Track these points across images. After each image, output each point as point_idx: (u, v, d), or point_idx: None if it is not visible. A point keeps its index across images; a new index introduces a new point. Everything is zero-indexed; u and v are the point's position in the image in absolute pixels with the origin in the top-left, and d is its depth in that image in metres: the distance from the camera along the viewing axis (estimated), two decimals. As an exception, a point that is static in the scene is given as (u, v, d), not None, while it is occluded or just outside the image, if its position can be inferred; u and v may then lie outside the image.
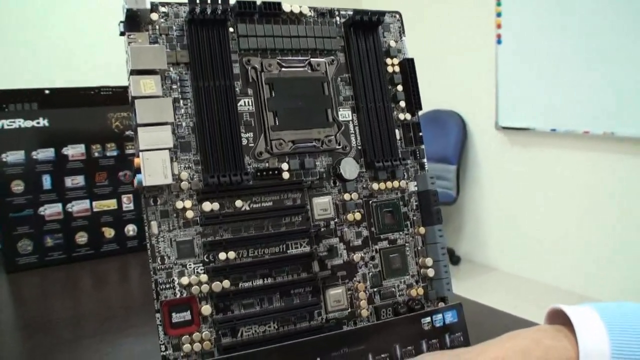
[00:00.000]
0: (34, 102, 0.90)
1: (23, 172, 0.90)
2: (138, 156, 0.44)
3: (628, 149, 2.32)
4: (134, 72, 0.46)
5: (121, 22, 0.47)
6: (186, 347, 0.45)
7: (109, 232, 0.96)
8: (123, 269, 0.94)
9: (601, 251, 2.46)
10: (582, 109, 2.45)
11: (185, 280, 0.46)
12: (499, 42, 2.81)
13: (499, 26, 2.79)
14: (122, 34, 0.47)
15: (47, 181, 0.91)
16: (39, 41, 2.62)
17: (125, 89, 0.93)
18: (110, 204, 0.96)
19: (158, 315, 0.45)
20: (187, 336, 0.45)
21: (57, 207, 0.92)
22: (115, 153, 0.96)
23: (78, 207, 0.94)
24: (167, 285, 0.46)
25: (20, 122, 0.89)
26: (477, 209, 3.13)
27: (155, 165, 0.44)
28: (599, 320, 0.42)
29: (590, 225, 2.50)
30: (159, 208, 0.46)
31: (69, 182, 0.93)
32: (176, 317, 0.46)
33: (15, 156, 0.89)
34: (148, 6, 0.47)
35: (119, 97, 0.95)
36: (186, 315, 0.46)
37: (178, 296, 0.46)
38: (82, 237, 0.94)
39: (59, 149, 0.92)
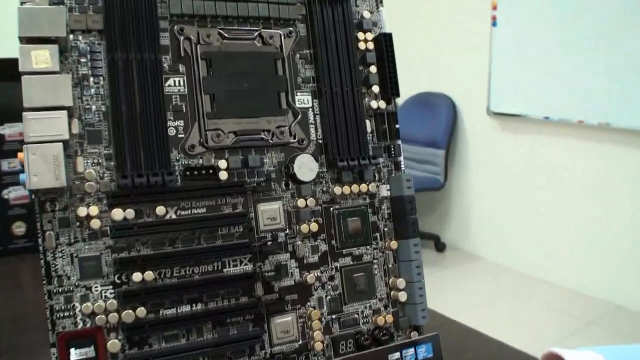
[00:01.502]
0: (-35, 73, 0.79)
1: (-49, 153, 0.80)
2: (22, 150, 0.34)
3: (623, 140, 2.24)
4: (23, 41, 0.35)
5: (15, -26, 0.37)
6: (86, 394, 0.35)
7: (51, 222, 0.86)
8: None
9: (591, 243, 2.39)
10: (578, 98, 2.36)
11: (89, 307, 0.36)
12: (494, 24, 2.70)
13: (494, 7, 2.68)
14: (16, -10, 0.37)
15: (-21, 164, 0.81)
16: None
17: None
18: (52, 190, 0.86)
19: (53, 350, 0.36)
20: (88, 380, 0.36)
21: (-9, 194, 0.82)
22: (58, 133, 0.85)
23: (15, 193, 0.84)
24: (66, 313, 0.36)
25: (-52, 96, 0.78)
26: (465, 196, 3.05)
27: (43, 163, 0.34)
28: None
29: (581, 217, 2.43)
30: (57, 215, 0.36)
31: (6, 165, 0.83)
32: (76, 354, 0.36)
33: (-59, 135, 0.79)
34: (46, -46, 0.36)
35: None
36: (89, 352, 0.36)
37: (80, 327, 0.36)
38: (19, 227, 0.84)
39: (-7, 128, 0.82)
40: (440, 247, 3.09)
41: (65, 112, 0.35)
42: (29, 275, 0.82)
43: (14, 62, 0.79)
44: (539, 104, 2.54)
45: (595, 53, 2.25)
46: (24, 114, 0.34)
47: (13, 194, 0.83)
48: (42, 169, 0.33)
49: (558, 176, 2.51)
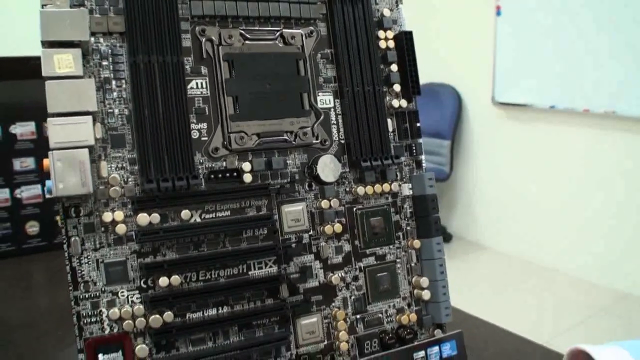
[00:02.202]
0: (-24, 73, 0.79)
1: (-37, 153, 0.79)
2: (48, 156, 0.33)
3: (630, 128, 2.23)
4: (46, 44, 0.35)
5: (35, -23, 0.36)
6: (115, 399, 0.35)
7: (64, 222, 0.86)
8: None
9: (598, 232, 2.39)
10: (583, 87, 2.34)
11: (116, 312, 0.36)
12: (498, 13, 2.68)
13: (499, -4, 2.66)
14: (36, -7, 0.36)
15: (-9, 164, 0.81)
16: None
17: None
18: (65, 189, 0.85)
19: (81, 356, 0.36)
20: (117, 385, 0.36)
21: (4, 193, 0.82)
22: (70, 132, 0.85)
23: (28, 193, 0.83)
24: (93, 319, 0.36)
25: (-42, 96, 0.78)
26: (471, 186, 3.04)
27: (69, 170, 0.33)
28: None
29: (587, 205, 2.42)
30: (82, 221, 0.36)
31: (18, 164, 0.83)
32: (104, 359, 0.36)
33: (-47, 135, 0.79)
34: (67, -42, 0.36)
35: (75, 69, 0.84)
36: (117, 357, 0.36)
37: (107, 332, 0.36)
38: (33, 227, 0.84)
39: (5, 127, 0.81)
40: (446, 237, 3.09)
41: (90, 117, 0.34)
42: (42, 274, 0.82)
43: (25, 60, 0.79)
44: (544, 93, 2.52)
45: (600, 41, 2.23)
46: (49, 119, 0.34)
47: (26, 193, 0.83)
48: (68, 175, 0.33)
49: (564, 165, 2.51)
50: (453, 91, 2.94)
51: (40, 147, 0.83)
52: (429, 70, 2.96)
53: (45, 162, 0.33)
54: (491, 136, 2.87)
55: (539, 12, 2.48)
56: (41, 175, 0.84)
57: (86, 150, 0.34)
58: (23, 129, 0.82)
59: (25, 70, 0.81)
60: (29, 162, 0.83)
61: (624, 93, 2.20)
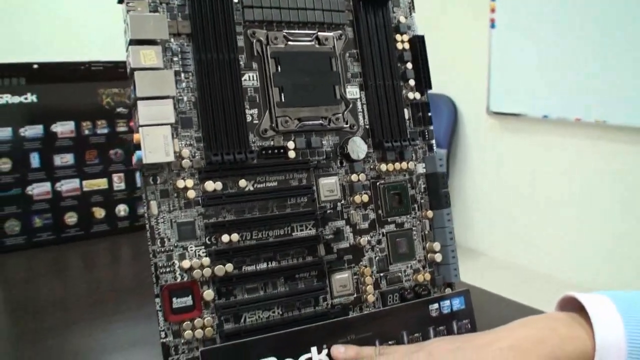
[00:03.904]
0: (22, 77, 0.86)
1: (10, 149, 0.86)
2: (137, 132, 0.41)
3: (620, 138, 2.32)
4: (133, 42, 0.43)
5: (119, -11, 0.44)
6: (187, 333, 0.43)
7: (99, 213, 0.93)
8: (114, 250, 0.92)
9: (590, 239, 2.47)
10: (575, 97, 2.43)
11: (186, 263, 0.44)
12: (492, 26, 2.78)
13: (492, 10, 2.76)
14: (120, 1, 0.44)
15: (35, 159, 0.88)
16: (28, 13, 2.55)
17: (116, 64, 0.91)
18: (101, 183, 0.93)
19: (158, 300, 0.43)
20: (189, 322, 0.43)
21: (45, 186, 0.89)
22: (106, 130, 0.92)
23: (67, 186, 0.91)
24: (168, 269, 0.44)
25: (7, 98, 0.85)
26: (466, 194, 3.12)
27: (156, 142, 0.41)
28: (615, 311, 0.41)
29: (580, 213, 2.50)
30: (158, 187, 0.44)
31: (58, 160, 0.90)
32: (177, 303, 0.43)
33: (2, 133, 0.86)
34: (148, -27, 0.44)
35: (110, 73, 0.92)
36: (187, 301, 0.44)
37: (179, 280, 0.44)
38: (71, 218, 0.91)
39: (47, 126, 0.89)
40: (442, 244, 3.15)
41: (171, 100, 0.42)
42: (78, 261, 0.89)
43: (64, 65, 0.87)
44: (538, 103, 2.61)
45: (592, 52, 2.32)
46: (138, 102, 0.41)
47: (65, 186, 0.90)
48: (155, 146, 0.41)
49: (557, 173, 2.59)
50: (449, 101, 3.03)
51: (78, 143, 0.91)
52: (425, 81, 3.04)
53: (136, 136, 0.41)
54: (486, 145, 2.96)
55: (532, 25, 2.57)
56: (79, 169, 0.91)
57: (168, 126, 0.42)
58: (63, 128, 0.89)
59: (66, 74, 0.89)
60: (68, 158, 0.90)
61: (615, 103, 2.29)
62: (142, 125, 0.41)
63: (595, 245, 2.45)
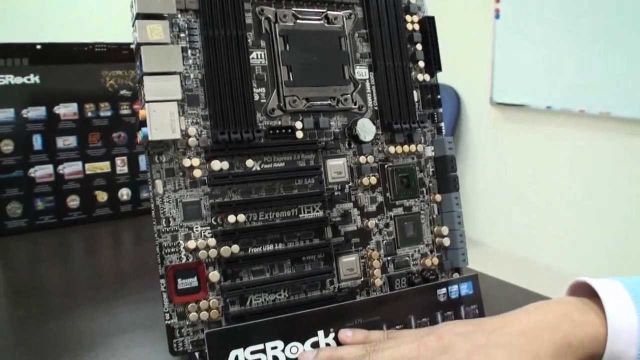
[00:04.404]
0: (25, 57, 0.85)
1: (13, 131, 0.86)
2: (143, 108, 0.40)
3: (623, 129, 2.31)
4: (139, 16, 0.42)
5: (125, -37, 0.43)
6: (192, 315, 0.42)
7: (102, 196, 0.92)
8: (116, 234, 0.91)
9: (593, 230, 2.46)
10: (579, 88, 2.42)
11: (192, 244, 0.43)
12: (497, 16, 2.76)
13: (497, 0, 2.74)
14: (126, -24, 0.43)
15: (37, 141, 0.87)
16: None
17: (120, 46, 0.90)
18: (104, 166, 0.92)
19: (162, 281, 0.42)
20: (194, 304, 0.42)
21: (48, 169, 0.88)
22: (109, 113, 0.91)
23: (70, 169, 0.90)
24: (173, 249, 0.43)
25: (10, 79, 0.84)
26: (469, 185, 3.11)
27: (162, 118, 0.40)
28: (627, 296, 0.40)
29: (583, 204, 2.49)
30: (164, 166, 0.43)
31: (61, 142, 0.89)
32: (182, 284, 0.43)
33: (4, 114, 0.85)
34: (155, -55, 0.43)
35: (113, 55, 0.91)
36: (193, 282, 0.43)
37: (184, 261, 0.43)
38: (73, 201, 0.90)
39: (50, 108, 0.88)
40: (444, 235, 3.15)
41: (177, 76, 0.41)
42: (81, 244, 0.89)
43: (67, 46, 0.86)
44: (541, 94, 2.60)
45: (596, 44, 2.31)
46: (145, 77, 0.41)
47: (68, 169, 0.89)
48: (161, 123, 0.40)
49: (560, 165, 2.58)
50: (452, 91, 3.02)
51: (81, 126, 0.90)
52: (429, 71, 3.03)
53: (142, 112, 0.40)
54: (489, 135, 2.95)
55: (536, 15, 2.55)
56: (82, 152, 0.90)
57: (175, 103, 0.41)
58: (66, 110, 0.89)
59: (69, 55, 0.88)
60: (71, 140, 0.89)
61: (619, 95, 2.28)
62: (148, 101, 0.40)
63: (598, 236, 2.44)
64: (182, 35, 0.44)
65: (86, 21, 2.41)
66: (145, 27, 0.41)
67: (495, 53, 2.80)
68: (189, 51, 0.45)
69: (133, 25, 0.42)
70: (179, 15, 0.44)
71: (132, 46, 0.43)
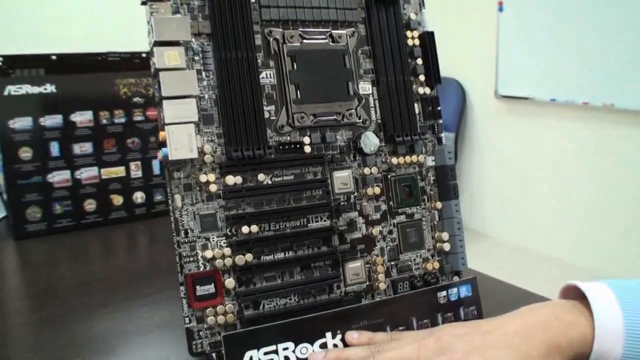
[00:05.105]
0: (41, 67, 0.89)
1: (31, 138, 0.89)
2: (163, 129, 0.44)
3: (627, 121, 2.32)
4: (157, 44, 0.45)
5: (142, -9, 0.47)
6: (210, 319, 0.46)
7: (117, 200, 0.96)
8: (131, 236, 0.95)
9: (597, 222, 2.48)
10: (583, 80, 2.43)
11: (209, 253, 0.46)
12: (500, 9, 2.77)
13: (501, -7, 2.75)
14: (143, 3, 0.46)
15: (55, 148, 0.91)
16: (46, 6, 2.58)
17: (132, 55, 0.93)
18: (119, 171, 0.95)
19: (182, 288, 0.46)
20: (211, 309, 0.46)
21: (65, 174, 0.92)
22: (123, 120, 0.95)
23: (86, 174, 0.93)
24: (191, 259, 0.46)
25: (27, 88, 0.88)
26: (475, 177, 3.14)
27: (181, 139, 0.44)
28: (613, 298, 0.43)
29: (587, 196, 2.51)
30: (182, 181, 0.46)
31: (77, 149, 0.92)
32: (200, 290, 0.46)
33: (22, 123, 0.88)
34: (171, -24, 0.46)
35: (126, 63, 0.94)
36: (210, 288, 0.46)
37: (202, 269, 0.46)
38: (90, 205, 0.94)
39: (66, 116, 0.91)
40: (450, 227, 3.18)
41: (194, 99, 0.45)
42: (97, 247, 0.92)
43: (81, 56, 0.89)
44: (546, 86, 2.62)
45: (600, 36, 2.32)
46: (164, 101, 0.44)
47: (85, 174, 0.93)
48: (180, 144, 0.43)
49: (564, 157, 2.60)
50: (457, 85, 3.04)
51: (97, 133, 0.93)
52: (434, 64, 3.05)
53: (162, 134, 0.43)
54: (494, 128, 2.97)
55: (539, 8, 2.57)
56: (98, 158, 0.94)
57: (192, 124, 0.44)
58: (82, 117, 0.92)
59: (83, 65, 0.92)
60: (87, 147, 0.93)
61: (622, 87, 2.29)
62: (167, 124, 0.44)
63: (602, 228, 2.46)
64: (196, 58, 0.48)
65: (99, 32, 2.46)
66: (163, 54, 0.44)
67: (500, 46, 2.82)
68: (203, 73, 0.48)
69: (151, 51, 0.45)
70: (193, 39, 0.48)
71: (151, 70, 0.46)
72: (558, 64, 2.53)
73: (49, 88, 0.89)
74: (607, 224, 2.45)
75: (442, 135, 0.57)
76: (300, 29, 0.52)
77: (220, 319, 0.46)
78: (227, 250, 0.47)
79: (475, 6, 2.92)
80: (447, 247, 0.55)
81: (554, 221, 2.69)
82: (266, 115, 0.49)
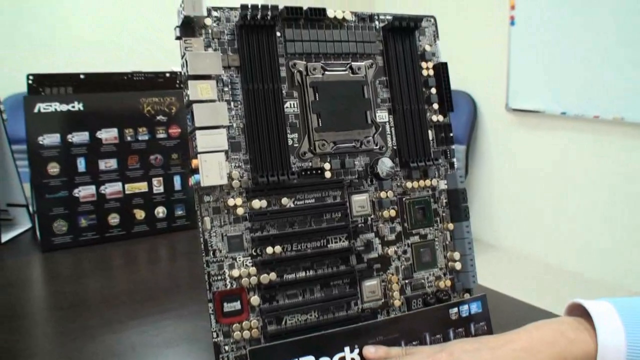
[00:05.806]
0: (69, 86, 0.93)
1: (59, 154, 0.93)
2: (196, 158, 0.47)
3: (638, 134, 2.34)
4: (191, 77, 0.48)
5: (177, 27, 0.50)
6: (236, 334, 0.49)
7: (140, 214, 1.00)
8: (153, 250, 0.98)
9: (608, 235, 2.50)
10: (593, 94, 2.45)
11: (235, 272, 0.50)
12: (512, 23, 2.80)
13: (512, 7, 2.78)
14: (177, 38, 0.50)
15: (81, 164, 0.95)
16: (76, 27, 2.66)
17: (156, 75, 0.97)
18: (142, 186, 0.99)
19: (210, 304, 0.49)
20: (237, 324, 0.49)
21: (91, 189, 0.96)
22: (146, 137, 0.99)
23: (111, 189, 0.97)
24: (219, 277, 0.49)
25: (56, 106, 0.92)
26: (486, 190, 3.16)
27: (212, 167, 0.47)
28: (616, 316, 0.46)
29: (598, 210, 2.53)
30: (211, 205, 0.50)
31: (103, 165, 0.97)
32: (227, 307, 0.49)
33: (51, 139, 0.93)
34: (205, 13, 0.49)
35: (150, 83, 0.98)
36: (236, 305, 0.49)
37: (229, 287, 0.50)
38: (114, 219, 0.98)
39: (93, 133, 0.95)
40: (460, 238, 3.20)
41: (224, 130, 0.48)
42: (120, 259, 0.95)
43: (108, 75, 0.93)
44: (556, 100, 2.64)
45: (610, 49, 2.34)
46: (197, 131, 0.47)
47: (109, 189, 0.97)
48: (211, 171, 0.47)
49: (575, 170, 2.61)
50: (468, 98, 3.07)
51: (121, 149, 0.97)
52: (445, 77, 3.07)
53: (194, 161, 0.47)
54: (505, 141, 2.99)
55: (551, 22, 2.59)
56: (122, 173, 0.98)
57: (222, 153, 0.48)
58: (107, 134, 0.96)
59: (110, 84, 0.96)
60: (112, 163, 0.97)
61: (633, 100, 2.31)
62: (200, 153, 0.47)
63: (613, 241, 2.47)
64: (225, 89, 0.51)
65: (125, 52, 2.54)
66: (196, 87, 0.48)
67: (511, 60, 2.84)
68: (232, 103, 0.51)
69: (185, 83, 0.49)
70: (223, 72, 0.51)
71: (184, 101, 0.50)
72: (569, 78, 2.55)
73: (77, 106, 0.93)
74: (617, 236, 2.46)
75: (454, 160, 0.60)
76: (322, 62, 0.55)
77: (246, 334, 0.49)
78: (253, 270, 0.50)
79: (487, 20, 2.95)
80: (458, 266, 0.58)
81: (564, 233, 2.70)
82: (290, 142, 0.53)
